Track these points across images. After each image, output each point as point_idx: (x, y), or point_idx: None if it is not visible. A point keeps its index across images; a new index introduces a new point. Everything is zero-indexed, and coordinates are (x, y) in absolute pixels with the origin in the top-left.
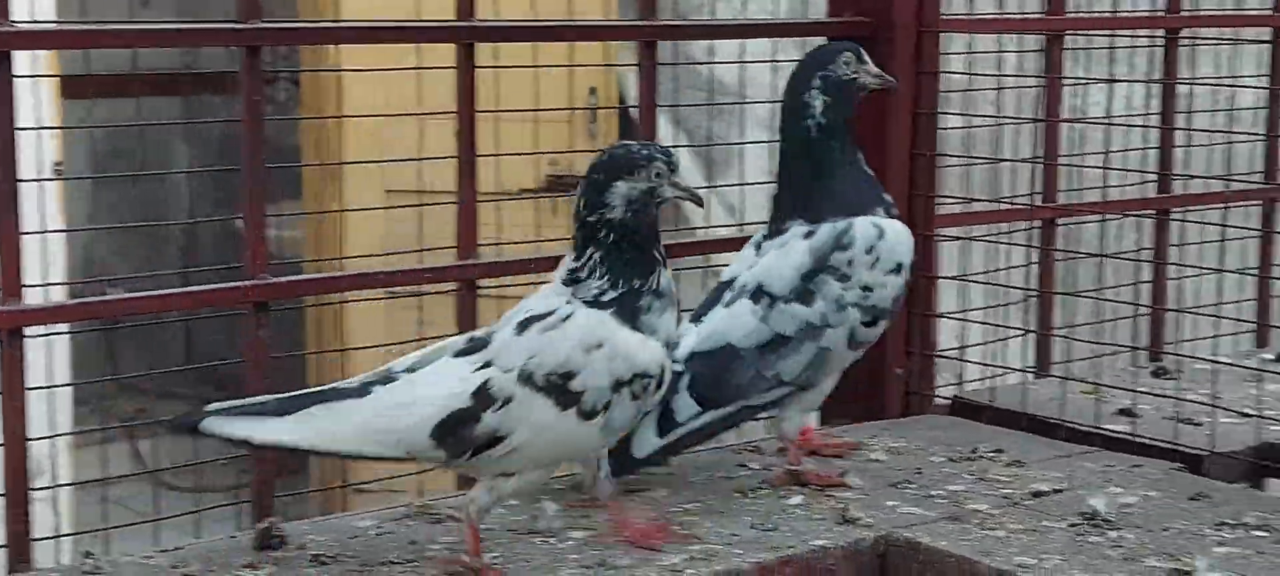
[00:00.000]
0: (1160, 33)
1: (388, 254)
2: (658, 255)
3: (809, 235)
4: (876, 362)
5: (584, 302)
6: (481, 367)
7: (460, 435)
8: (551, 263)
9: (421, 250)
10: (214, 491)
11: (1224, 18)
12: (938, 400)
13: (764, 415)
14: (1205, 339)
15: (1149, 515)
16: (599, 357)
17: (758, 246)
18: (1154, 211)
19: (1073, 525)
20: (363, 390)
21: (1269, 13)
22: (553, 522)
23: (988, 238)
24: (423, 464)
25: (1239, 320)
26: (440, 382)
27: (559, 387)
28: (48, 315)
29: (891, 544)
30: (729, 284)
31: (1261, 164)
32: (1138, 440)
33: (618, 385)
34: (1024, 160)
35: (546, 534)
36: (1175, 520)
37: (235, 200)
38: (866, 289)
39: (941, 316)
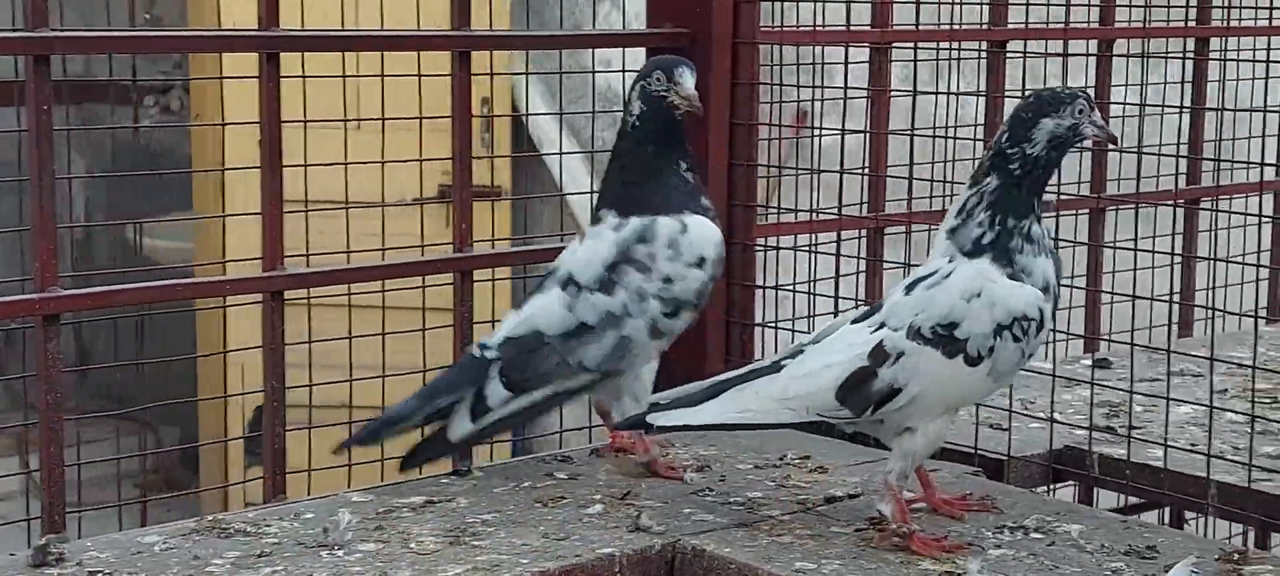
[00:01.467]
0: (984, 45)
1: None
2: (1036, 204)
3: (617, 228)
4: (696, 371)
5: (963, 252)
6: (876, 330)
7: (861, 392)
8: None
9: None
10: None
11: (1050, 31)
12: None
13: (572, 401)
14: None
15: (935, 519)
16: (979, 306)
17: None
18: None
19: (859, 530)
20: (775, 367)
21: (1095, 27)
22: (345, 535)
23: (809, 248)
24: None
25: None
26: (840, 349)
27: (945, 338)
28: None
29: (678, 551)
30: (553, 272)
31: (1089, 174)
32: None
33: (998, 330)
34: (844, 171)
35: (335, 546)
36: (958, 523)
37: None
38: (667, 281)
39: (760, 326)
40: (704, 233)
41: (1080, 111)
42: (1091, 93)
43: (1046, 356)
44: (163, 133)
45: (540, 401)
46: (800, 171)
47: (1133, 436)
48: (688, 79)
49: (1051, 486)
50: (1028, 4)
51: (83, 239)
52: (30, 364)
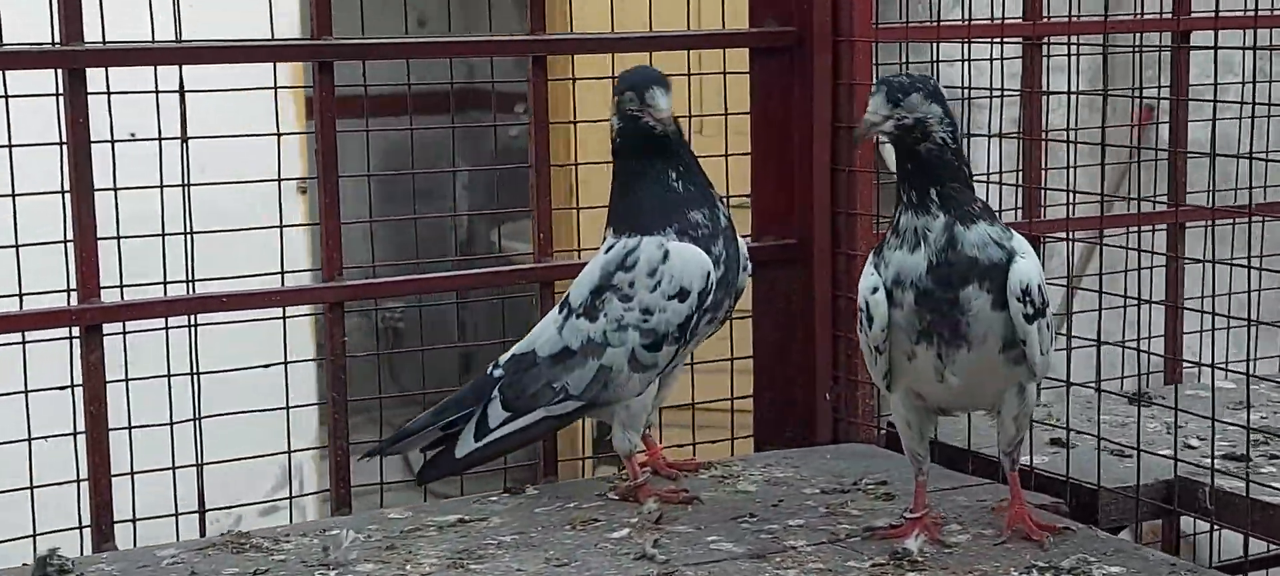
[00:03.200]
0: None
1: None
2: (905, 193)
3: (608, 249)
4: (808, 388)
5: None
6: None
7: None
8: None
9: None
10: None
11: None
12: (877, 429)
13: (566, 426)
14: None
15: (963, 557)
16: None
17: None
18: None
19: (876, 565)
20: None
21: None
22: (347, 554)
23: None
24: None
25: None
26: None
27: None
28: None
29: None
30: None
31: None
32: (1041, 474)
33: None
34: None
35: (334, 566)
36: (986, 562)
37: None
38: (646, 312)
39: None
40: (687, 261)
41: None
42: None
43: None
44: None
45: (533, 425)
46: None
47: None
48: (660, 99)
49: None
50: None
51: (465, 239)
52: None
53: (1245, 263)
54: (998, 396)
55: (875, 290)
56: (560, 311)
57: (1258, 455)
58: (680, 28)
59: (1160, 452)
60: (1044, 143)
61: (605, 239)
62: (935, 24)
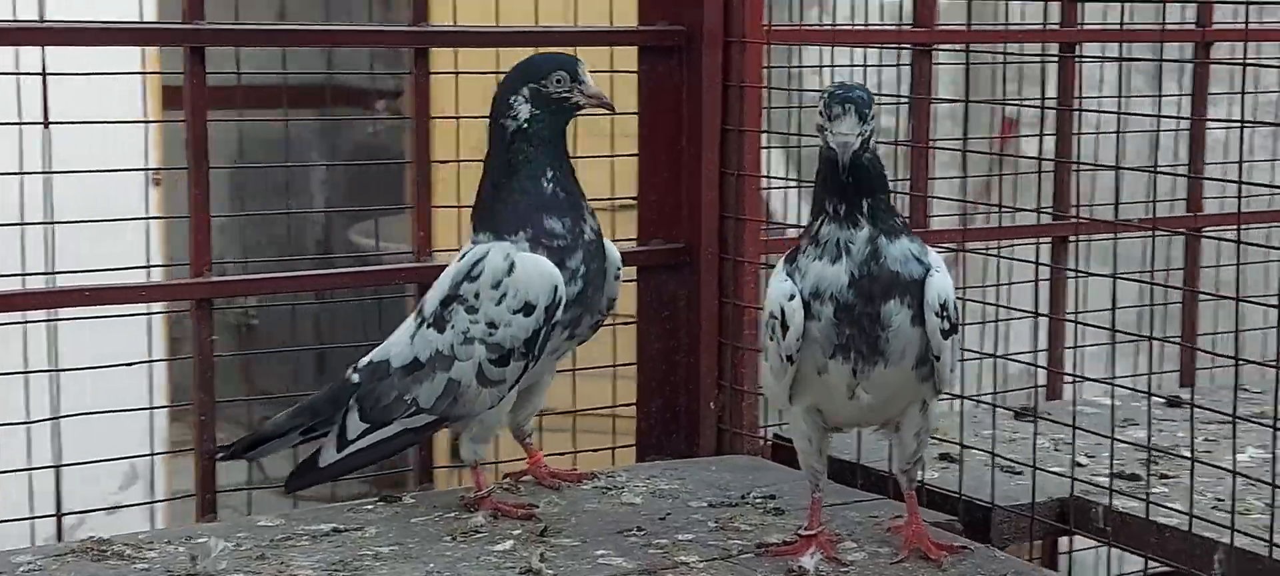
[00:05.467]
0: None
1: None
2: (829, 204)
3: (462, 255)
4: (692, 397)
5: None
6: None
7: None
8: None
9: None
10: None
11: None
12: (760, 439)
13: (422, 439)
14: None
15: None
16: None
17: None
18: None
19: None
20: None
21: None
22: (216, 564)
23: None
24: None
25: None
26: None
27: None
28: None
29: None
30: None
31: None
32: (932, 490)
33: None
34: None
35: (205, 574)
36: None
37: None
38: (492, 325)
39: (753, 349)
40: (531, 275)
41: None
42: None
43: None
44: (392, 131)
45: (392, 437)
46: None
47: (1156, 487)
48: (590, 76)
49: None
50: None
51: (322, 238)
52: None
53: (1140, 276)
54: (901, 412)
55: (792, 297)
56: (415, 319)
57: (1147, 475)
58: (568, 24)
59: (1051, 469)
60: (929, 149)
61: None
62: (831, 28)
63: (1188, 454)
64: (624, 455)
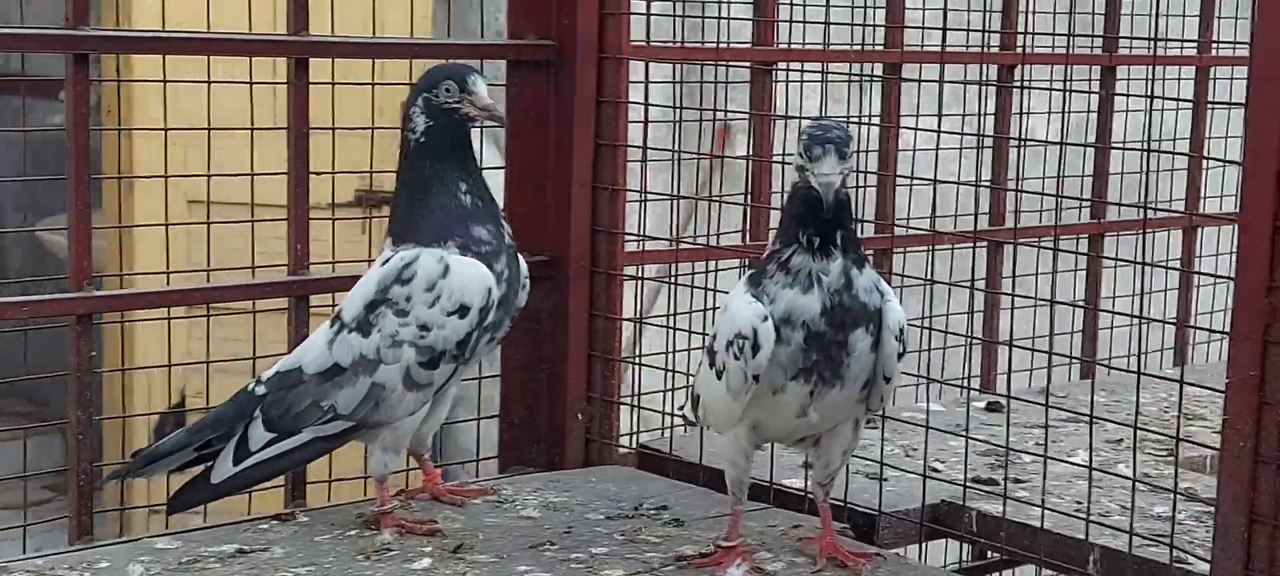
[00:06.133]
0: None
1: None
2: (800, 235)
3: (385, 261)
4: (557, 408)
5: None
6: None
7: None
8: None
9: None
10: None
11: (941, 55)
12: (624, 449)
13: (334, 448)
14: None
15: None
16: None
17: None
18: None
19: None
20: None
21: (978, 51)
22: None
23: (672, 280)
24: None
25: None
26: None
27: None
28: None
29: None
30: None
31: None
32: (809, 497)
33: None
34: (707, 198)
35: None
36: None
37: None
38: (424, 328)
39: (625, 361)
40: (467, 277)
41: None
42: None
43: (928, 399)
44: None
45: (300, 447)
46: (676, 198)
47: (1016, 491)
48: (482, 87)
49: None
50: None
51: None
52: None
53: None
54: (831, 430)
55: (765, 319)
56: (331, 326)
57: (1001, 477)
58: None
59: (908, 472)
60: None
61: (383, 250)
62: (715, 46)
63: (1042, 454)
64: (485, 467)
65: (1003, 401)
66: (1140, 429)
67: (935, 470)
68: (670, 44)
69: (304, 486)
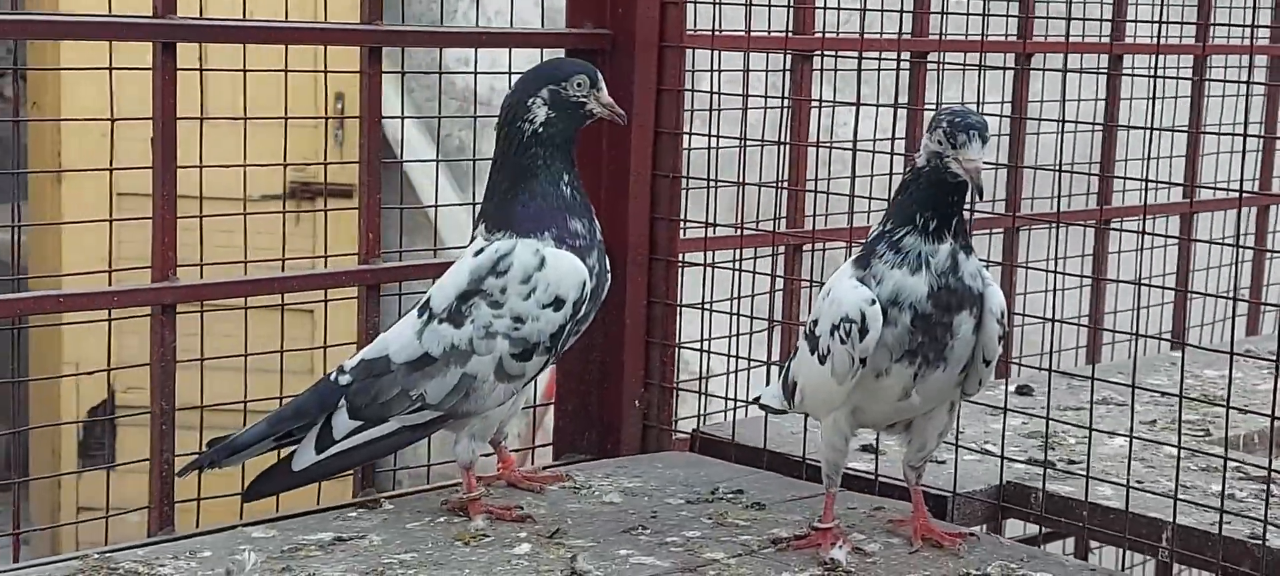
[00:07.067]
0: (907, 55)
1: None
2: (918, 215)
3: (478, 251)
4: (614, 394)
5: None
6: None
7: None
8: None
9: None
10: None
11: (970, 43)
12: (678, 435)
13: (421, 438)
14: None
15: (889, 565)
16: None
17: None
18: None
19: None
20: None
21: (1012, 39)
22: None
23: (730, 265)
24: None
25: None
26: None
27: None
28: None
29: None
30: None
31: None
32: (879, 480)
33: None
34: (769, 184)
35: None
36: (915, 570)
37: None
38: (518, 320)
39: (682, 347)
40: (562, 269)
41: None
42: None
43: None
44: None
45: (386, 436)
46: (724, 184)
47: (1074, 471)
48: (605, 86)
49: (1000, 524)
50: (945, 14)
51: None
52: None
53: None
54: (927, 413)
55: (872, 302)
56: (419, 315)
57: (1053, 458)
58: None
59: (968, 453)
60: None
61: (474, 238)
62: (746, 34)
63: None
64: (541, 454)
65: (1030, 387)
66: (1233, 407)
67: (989, 451)
68: (738, 33)
69: (373, 475)
